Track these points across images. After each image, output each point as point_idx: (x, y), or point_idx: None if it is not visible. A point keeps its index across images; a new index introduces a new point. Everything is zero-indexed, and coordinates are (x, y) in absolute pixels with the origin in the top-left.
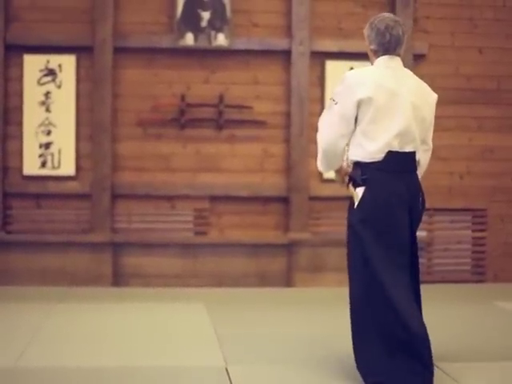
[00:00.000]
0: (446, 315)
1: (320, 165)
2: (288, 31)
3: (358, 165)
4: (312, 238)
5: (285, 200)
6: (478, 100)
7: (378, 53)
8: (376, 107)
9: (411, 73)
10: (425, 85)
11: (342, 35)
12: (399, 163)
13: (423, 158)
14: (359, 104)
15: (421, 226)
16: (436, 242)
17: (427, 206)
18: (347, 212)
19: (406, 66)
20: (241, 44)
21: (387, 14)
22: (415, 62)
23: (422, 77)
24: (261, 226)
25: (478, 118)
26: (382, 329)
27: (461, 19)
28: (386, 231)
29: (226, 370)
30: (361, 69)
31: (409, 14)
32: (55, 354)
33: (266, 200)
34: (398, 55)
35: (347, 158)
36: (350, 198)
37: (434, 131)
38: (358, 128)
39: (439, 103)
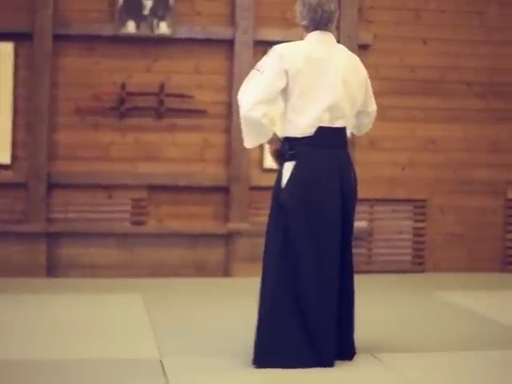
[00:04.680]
0: (385, 305)
1: (244, 138)
2: (231, 20)
3: (286, 140)
4: (251, 228)
5: (225, 190)
6: (421, 91)
7: (310, 29)
8: (305, 80)
9: (344, 48)
10: (357, 61)
11: (287, 24)
12: (329, 138)
13: (365, 120)
14: (287, 74)
15: (362, 216)
16: (376, 232)
17: (369, 196)
18: (274, 187)
19: None
20: (183, 32)
21: None
22: (360, 52)
23: (366, 67)
24: (200, 216)
25: (422, 109)
26: (289, 321)
27: (405, 10)
28: (314, 210)
29: (161, 362)
30: (290, 42)
31: (354, 3)
32: None
33: (206, 190)
34: (330, 31)
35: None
36: (278, 173)
37: (378, 121)
38: (287, 103)
39: (383, 93)
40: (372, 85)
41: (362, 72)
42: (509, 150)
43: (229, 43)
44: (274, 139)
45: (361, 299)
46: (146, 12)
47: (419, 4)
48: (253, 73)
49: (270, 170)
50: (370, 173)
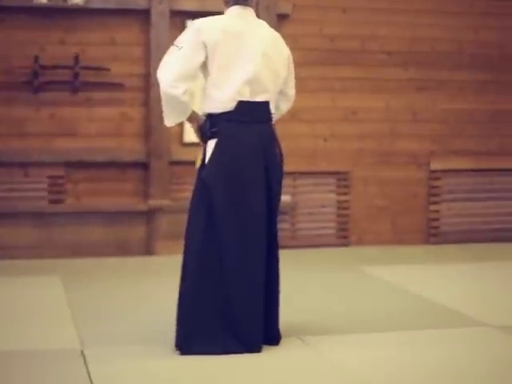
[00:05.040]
0: (311, 282)
1: (164, 116)
2: None
3: (208, 117)
4: (173, 204)
5: (144, 165)
6: (341, 61)
7: (229, 3)
8: (223, 53)
9: (265, 24)
10: (279, 37)
11: None
12: (251, 113)
13: (283, 106)
14: (205, 47)
15: (285, 190)
16: (300, 206)
17: (291, 169)
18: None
19: (269, 26)
20: (97, 3)
21: None
22: (279, 22)
23: (285, 37)
24: (119, 193)
25: (342, 80)
26: (212, 302)
27: None
28: (237, 189)
29: (82, 352)
30: (208, 17)
31: None
32: None
33: (125, 166)
34: (251, 6)
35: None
36: (203, 151)
37: (298, 92)
38: (207, 78)
39: (303, 64)
40: (292, 55)
41: (285, 49)
42: (430, 121)
43: (144, 13)
44: (193, 117)
45: (285, 276)
46: None
47: None
48: (171, 48)
49: (190, 145)
50: (292, 145)
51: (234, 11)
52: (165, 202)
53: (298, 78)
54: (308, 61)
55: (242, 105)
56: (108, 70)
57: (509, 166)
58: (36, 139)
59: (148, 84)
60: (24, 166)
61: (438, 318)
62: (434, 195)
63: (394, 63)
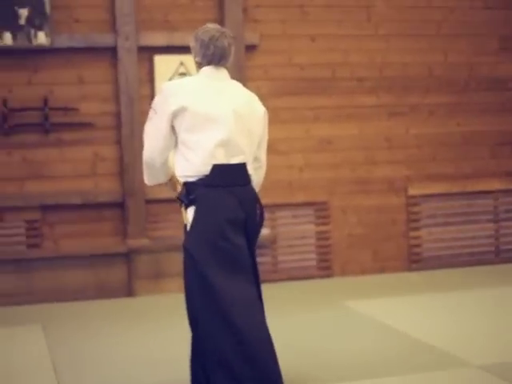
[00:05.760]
0: (294, 322)
1: (144, 177)
2: (112, 26)
3: (184, 184)
4: (151, 243)
5: (120, 205)
6: (312, 90)
7: (202, 65)
8: (193, 116)
9: (239, 84)
10: (253, 96)
11: (170, 28)
12: (228, 177)
13: (256, 176)
14: (174, 115)
15: (264, 223)
16: (280, 239)
17: (269, 202)
18: (184, 235)
19: (237, 58)
20: (63, 42)
21: (213, 25)
22: (247, 54)
23: (254, 68)
24: (97, 234)
25: (314, 108)
26: (224, 357)
27: (291, 7)
28: (221, 253)
29: None
30: (180, 79)
31: (238, 3)
32: None
33: (101, 206)
34: (225, 67)
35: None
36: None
37: (271, 124)
38: (179, 143)
39: (273, 94)
40: (262, 86)
41: (260, 107)
42: (404, 146)
43: (111, 50)
44: (172, 181)
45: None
46: (22, 22)
47: (305, 0)
48: (150, 112)
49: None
50: (269, 178)
51: (206, 72)
52: (143, 242)
53: (269, 109)
54: (279, 91)
55: (217, 169)
56: (77, 109)
57: (484, 187)
58: (9, 183)
59: (119, 122)
60: None
61: (422, 358)
62: (414, 221)
63: (366, 90)
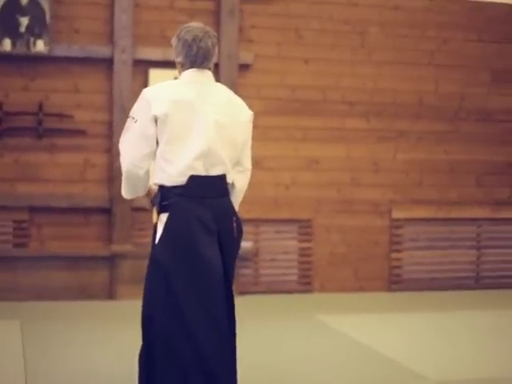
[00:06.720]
0: (269, 335)
1: (123, 190)
2: (110, 38)
3: (160, 189)
4: (135, 249)
5: (107, 211)
6: (303, 111)
7: (185, 66)
8: (173, 125)
9: (223, 87)
10: (238, 101)
11: (166, 44)
12: (204, 188)
13: (240, 180)
14: (156, 120)
15: (247, 236)
16: (262, 253)
17: (254, 216)
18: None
19: (231, 76)
20: (61, 51)
21: (196, 24)
22: (240, 72)
23: (247, 86)
24: (82, 238)
25: (304, 129)
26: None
27: (287, 29)
28: (191, 265)
29: None
30: (160, 84)
31: (234, 23)
32: None
33: (88, 211)
34: (208, 68)
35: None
36: (154, 225)
37: (260, 141)
38: (158, 150)
39: (264, 113)
40: (253, 105)
41: (244, 112)
42: (390, 170)
43: (107, 62)
44: (150, 194)
45: (243, 326)
46: (23, 30)
47: (300, 24)
48: (128, 121)
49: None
50: (254, 193)
51: (188, 75)
52: (127, 248)
53: (260, 127)
54: (270, 110)
55: (194, 180)
56: (71, 117)
57: (469, 215)
58: (0, 184)
59: (111, 131)
60: None
61: (382, 373)
62: (396, 243)
63: (356, 113)
